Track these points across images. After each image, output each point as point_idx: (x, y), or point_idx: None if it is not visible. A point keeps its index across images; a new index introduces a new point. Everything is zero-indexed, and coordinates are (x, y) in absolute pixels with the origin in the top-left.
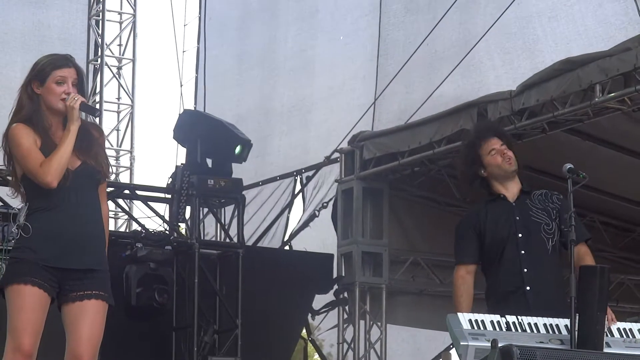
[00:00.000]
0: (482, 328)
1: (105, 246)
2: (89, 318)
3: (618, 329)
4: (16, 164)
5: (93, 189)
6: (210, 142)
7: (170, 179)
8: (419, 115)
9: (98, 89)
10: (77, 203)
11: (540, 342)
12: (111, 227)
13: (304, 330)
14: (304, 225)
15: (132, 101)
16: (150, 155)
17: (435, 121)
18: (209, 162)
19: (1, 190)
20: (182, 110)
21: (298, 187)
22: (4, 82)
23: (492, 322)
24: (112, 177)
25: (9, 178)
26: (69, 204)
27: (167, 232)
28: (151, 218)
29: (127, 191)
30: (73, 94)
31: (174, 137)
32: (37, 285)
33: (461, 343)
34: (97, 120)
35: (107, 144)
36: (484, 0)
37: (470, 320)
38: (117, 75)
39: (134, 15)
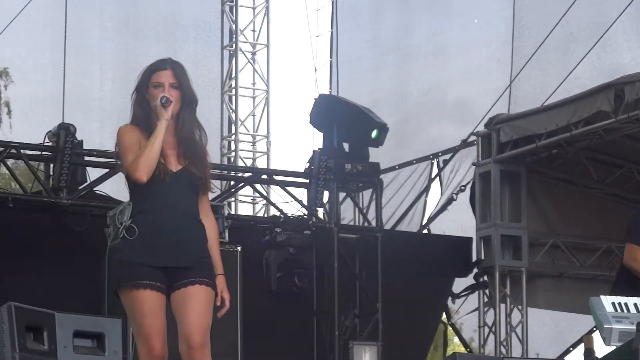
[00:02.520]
0: (625, 311)
1: (207, 243)
2: (196, 302)
3: None
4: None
5: (193, 195)
6: (346, 127)
7: (308, 164)
8: (555, 97)
9: (233, 75)
10: (177, 204)
11: None
12: (249, 212)
13: (444, 315)
14: (442, 208)
15: (267, 86)
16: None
17: (571, 103)
18: (346, 146)
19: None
20: (317, 95)
21: (435, 170)
22: (139, 71)
23: (635, 304)
24: (250, 162)
25: None
26: (169, 205)
27: (305, 216)
28: (289, 203)
29: (264, 176)
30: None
31: (310, 122)
32: (152, 288)
33: (605, 326)
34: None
35: (244, 129)
36: None
37: (613, 303)
38: (251, 61)
39: (267, 1)
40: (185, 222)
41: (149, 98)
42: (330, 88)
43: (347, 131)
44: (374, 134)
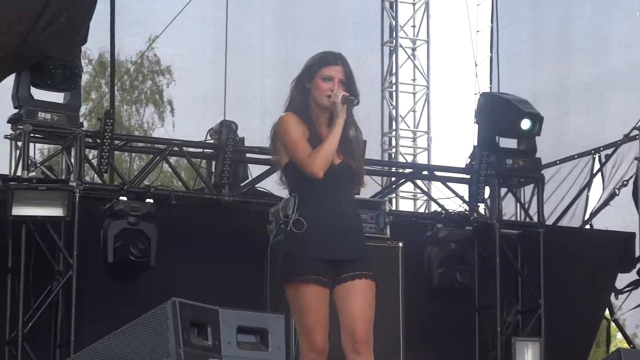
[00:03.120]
0: None
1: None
2: (361, 296)
3: None
4: (282, 152)
5: (351, 188)
6: (503, 122)
7: (469, 159)
8: None
9: (394, 71)
10: (340, 197)
11: None
12: (410, 208)
13: (607, 311)
14: (604, 204)
15: (428, 82)
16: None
17: None
18: (505, 141)
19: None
20: (477, 91)
21: (597, 165)
22: (300, 68)
23: None
24: (410, 158)
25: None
26: (332, 198)
27: (466, 212)
28: (450, 199)
29: (425, 172)
30: (336, 90)
31: (476, 122)
32: (317, 282)
33: None
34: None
35: (404, 125)
36: None
37: None
38: (411, 57)
39: None
40: (350, 214)
41: (310, 88)
42: (490, 83)
43: (505, 126)
44: (525, 124)
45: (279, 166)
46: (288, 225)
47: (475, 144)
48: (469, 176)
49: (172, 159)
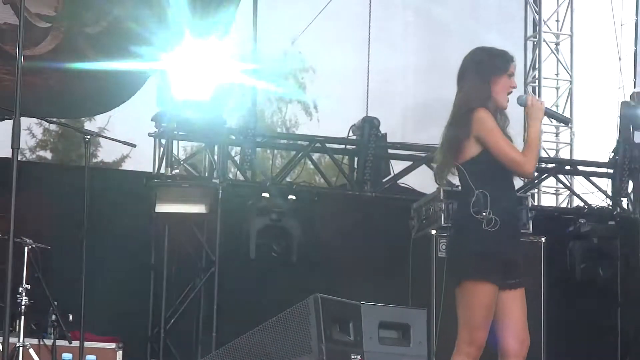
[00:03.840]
0: None
1: None
2: (523, 303)
3: None
4: (472, 145)
5: None
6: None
7: (612, 154)
8: None
9: (537, 65)
10: (516, 195)
11: None
12: (552, 203)
13: None
14: None
15: (571, 77)
16: (590, 131)
17: None
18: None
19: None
20: (621, 85)
21: None
22: (443, 64)
23: None
24: (552, 153)
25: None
26: (514, 196)
27: (609, 207)
28: (593, 193)
29: (568, 167)
30: (534, 96)
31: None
32: (497, 283)
33: None
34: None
35: (546, 120)
36: None
37: None
38: (555, 51)
39: None
40: (519, 210)
41: (492, 82)
42: (634, 77)
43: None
44: None
45: (455, 159)
46: (485, 224)
47: (619, 138)
48: (612, 170)
49: (315, 156)
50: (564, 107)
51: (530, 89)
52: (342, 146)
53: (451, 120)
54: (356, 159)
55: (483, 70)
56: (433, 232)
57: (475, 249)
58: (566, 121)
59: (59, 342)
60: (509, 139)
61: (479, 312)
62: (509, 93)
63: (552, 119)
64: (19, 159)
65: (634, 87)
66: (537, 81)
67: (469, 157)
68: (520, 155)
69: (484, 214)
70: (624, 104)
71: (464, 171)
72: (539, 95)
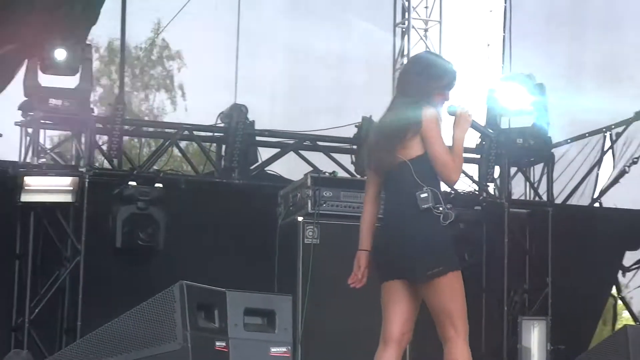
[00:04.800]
0: None
1: None
2: None
3: None
4: (417, 144)
5: None
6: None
7: (479, 139)
8: None
9: (405, 52)
10: None
11: None
12: None
13: (614, 288)
14: (614, 181)
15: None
16: None
17: None
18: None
19: None
20: (490, 72)
21: (607, 143)
22: (312, 51)
23: None
24: None
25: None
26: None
27: (476, 192)
28: (460, 179)
29: None
30: (464, 108)
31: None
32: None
33: None
34: None
35: None
36: None
37: None
38: (424, 38)
39: None
40: None
41: (435, 95)
42: (503, 63)
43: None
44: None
45: (403, 153)
46: (441, 217)
47: (486, 124)
48: (479, 156)
49: (182, 144)
50: None
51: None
52: (210, 134)
53: (394, 118)
54: (224, 146)
55: (430, 84)
56: (300, 218)
57: (444, 240)
58: (488, 135)
59: None
60: None
61: (464, 299)
62: (443, 105)
63: (476, 130)
64: None
65: (502, 73)
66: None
67: (414, 155)
68: (453, 162)
69: (441, 209)
70: (491, 91)
71: (411, 168)
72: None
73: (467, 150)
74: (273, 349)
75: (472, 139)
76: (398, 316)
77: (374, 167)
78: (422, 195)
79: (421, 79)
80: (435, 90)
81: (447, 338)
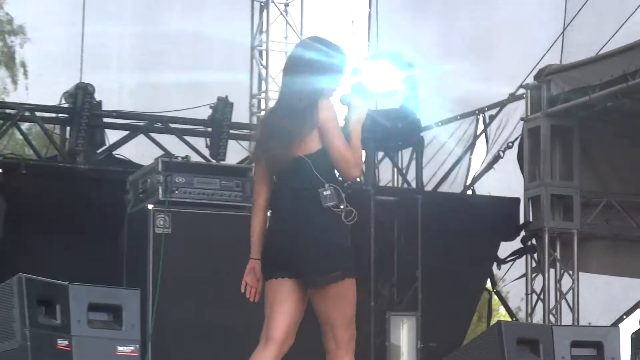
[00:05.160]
0: None
1: None
2: None
3: None
4: (316, 137)
5: None
6: None
7: (344, 121)
8: (611, 46)
9: (264, 28)
10: None
11: None
12: None
13: (489, 282)
14: (488, 167)
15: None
16: None
17: (629, 51)
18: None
19: None
20: (355, 49)
21: (480, 126)
22: (161, 30)
23: None
24: None
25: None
26: None
27: (339, 178)
28: None
29: None
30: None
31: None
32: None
33: None
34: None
35: (274, 87)
36: None
37: None
38: (284, 13)
39: None
40: None
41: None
42: (369, 40)
43: None
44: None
45: (300, 149)
46: (344, 216)
47: None
48: None
49: (24, 126)
50: None
51: (257, 54)
52: (54, 115)
53: (288, 111)
54: (68, 128)
55: (320, 72)
56: (150, 206)
57: (346, 243)
58: (386, 125)
59: None
60: None
61: (353, 311)
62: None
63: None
64: None
65: (368, 52)
66: (264, 45)
67: (314, 150)
68: (353, 157)
69: (342, 207)
70: (355, 71)
71: (310, 164)
72: (267, 61)
73: None
74: (120, 348)
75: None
76: (284, 316)
77: (267, 165)
78: (325, 193)
79: (311, 67)
80: (326, 78)
81: (327, 350)
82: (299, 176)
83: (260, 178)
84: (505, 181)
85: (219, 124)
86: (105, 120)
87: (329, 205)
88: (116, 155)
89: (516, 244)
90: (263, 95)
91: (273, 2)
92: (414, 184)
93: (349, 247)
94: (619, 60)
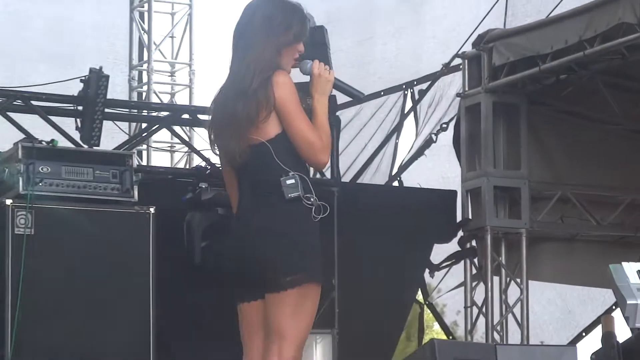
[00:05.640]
0: None
1: None
2: None
3: None
4: (273, 120)
5: None
6: None
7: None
8: (565, 6)
9: None
10: None
11: None
12: (167, 163)
13: (420, 292)
14: (418, 153)
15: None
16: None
17: (585, 13)
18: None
19: None
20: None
21: (409, 104)
22: None
23: None
24: (167, 98)
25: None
26: None
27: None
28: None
29: (186, 116)
30: (322, 65)
31: None
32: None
33: (628, 302)
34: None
35: (159, 56)
36: None
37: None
38: None
39: None
40: None
41: (282, 51)
42: None
43: None
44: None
45: (258, 134)
46: (311, 209)
47: None
48: None
49: None
50: (181, 40)
51: (137, 16)
52: None
53: (238, 92)
54: None
55: (274, 34)
56: (8, 202)
57: (314, 242)
58: (358, 97)
59: None
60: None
61: (312, 321)
62: (296, 59)
63: (342, 93)
64: None
65: None
66: (145, 5)
67: (273, 135)
68: (319, 139)
69: (312, 199)
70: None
71: (270, 149)
72: (149, 25)
73: None
74: None
75: None
76: (259, 351)
77: (226, 161)
78: (289, 182)
79: (262, 32)
80: (283, 45)
81: None
82: (258, 166)
83: (225, 171)
84: (439, 170)
85: (91, 102)
86: None
87: (293, 197)
88: None
89: (453, 246)
90: (145, 66)
91: None
92: (328, 174)
93: (316, 246)
94: (574, 24)
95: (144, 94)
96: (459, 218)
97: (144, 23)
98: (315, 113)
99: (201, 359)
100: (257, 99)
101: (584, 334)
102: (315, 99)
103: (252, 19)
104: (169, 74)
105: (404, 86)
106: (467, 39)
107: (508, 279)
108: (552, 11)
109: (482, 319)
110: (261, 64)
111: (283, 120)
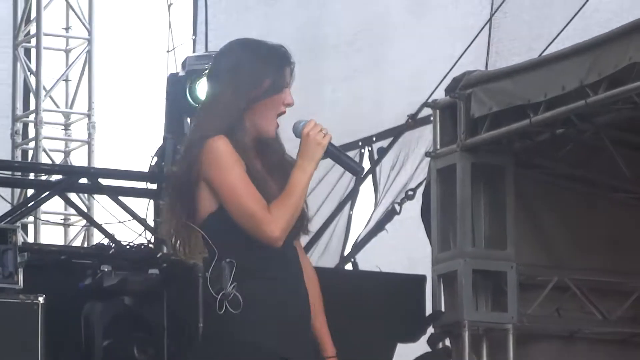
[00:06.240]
0: None
1: None
2: None
3: None
4: (206, 196)
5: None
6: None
7: (155, 158)
8: (562, 43)
9: (34, 15)
10: (291, 264)
11: None
12: (60, 239)
13: None
14: (377, 228)
15: (90, 33)
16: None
17: (588, 52)
18: None
19: None
20: (171, 47)
21: (366, 165)
22: None
23: None
24: (60, 157)
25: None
26: (286, 267)
27: (151, 244)
28: (125, 223)
29: (84, 180)
30: (313, 121)
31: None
32: None
33: None
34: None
35: (50, 104)
36: None
37: None
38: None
39: None
40: (302, 292)
41: (250, 98)
42: (194, 35)
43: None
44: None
45: (188, 218)
46: (222, 306)
47: (165, 132)
48: (155, 185)
49: None
50: (78, 83)
51: (22, 53)
52: None
53: (179, 159)
54: None
55: (239, 79)
56: None
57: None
58: (357, 171)
59: None
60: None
61: None
62: (281, 113)
63: (337, 163)
64: None
65: (193, 51)
66: (33, 40)
67: (207, 213)
68: (263, 210)
69: (227, 289)
70: (171, 78)
71: (207, 231)
72: (38, 64)
73: (135, 175)
74: None
75: (143, 158)
76: None
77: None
78: (213, 272)
79: (224, 75)
80: (253, 100)
81: None
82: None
83: None
84: (404, 250)
85: None
86: None
87: (212, 292)
88: None
89: (421, 346)
90: (32, 117)
91: None
92: None
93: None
94: (574, 65)
95: (31, 152)
96: (428, 311)
97: (30, 62)
98: (292, 179)
99: None
100: (184, 168)
101: None
102: (297, 164)
103: (217, 68)
104: (63, 127)
105: (359, 143)
106: (439, 84)
107: None
108: (546, 49)
109: None
110: (207, 122)
111: (217, 194)
